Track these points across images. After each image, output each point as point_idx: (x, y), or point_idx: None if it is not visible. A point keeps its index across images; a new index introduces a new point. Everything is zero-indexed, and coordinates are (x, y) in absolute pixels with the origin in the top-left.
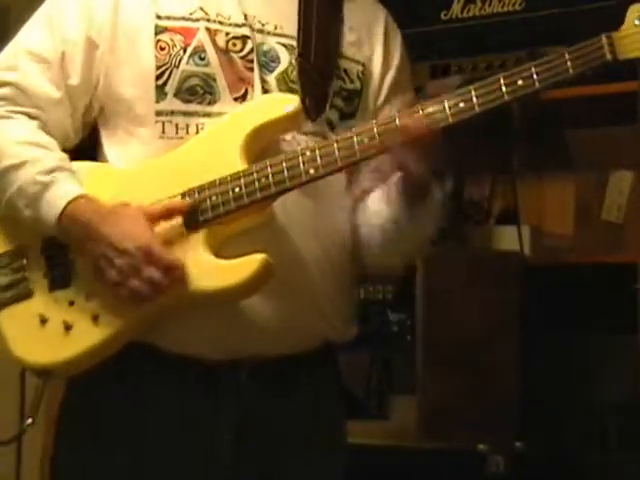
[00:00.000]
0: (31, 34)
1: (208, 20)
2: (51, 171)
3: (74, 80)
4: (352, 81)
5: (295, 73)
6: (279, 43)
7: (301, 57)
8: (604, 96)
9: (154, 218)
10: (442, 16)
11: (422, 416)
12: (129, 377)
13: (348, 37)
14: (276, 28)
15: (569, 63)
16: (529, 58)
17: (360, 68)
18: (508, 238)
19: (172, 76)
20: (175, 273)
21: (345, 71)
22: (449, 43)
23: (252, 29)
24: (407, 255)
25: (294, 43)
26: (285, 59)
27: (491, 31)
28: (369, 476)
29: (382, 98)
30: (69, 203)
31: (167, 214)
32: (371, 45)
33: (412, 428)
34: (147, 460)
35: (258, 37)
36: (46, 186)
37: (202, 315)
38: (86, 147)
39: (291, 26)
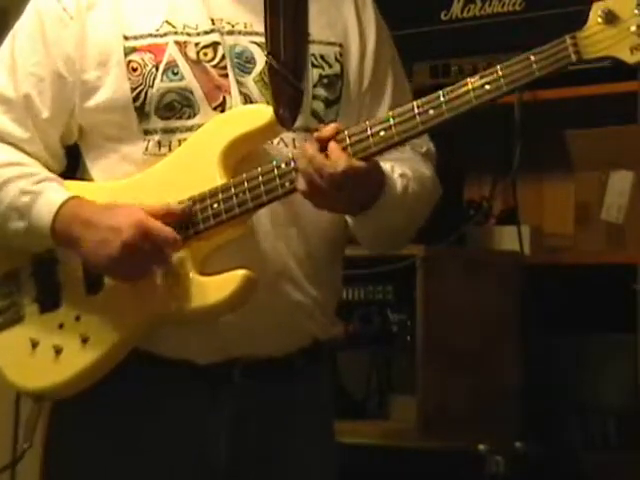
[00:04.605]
0: None
1: (176, 33)
2: (40, 181)
3: (45, 114)
4: (331, 65)
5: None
6: (252, 42)
7: (271, 55)
8: (604, 96)
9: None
10: (442, 16)
11: (422, 416)
12: (123, 381)
13: (318, 20)
14: (246, 26)
15: (534, 65)
16: None
17: (337, 49)
18: (508, 238)
19: (149, 96)
20: (175, 241)
21: (322, 57)
22: (449, 43)
23: (221, 33)
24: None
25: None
26: (260, 59)
27: (491, 31)
28: (368, 476)
29: (366, 82)
30: (62, 205)
31: (164, 215)
32: (343, 21)
33: (412, 428)
34: (145, 461)
35: (229, 39)
36: (37, 194)
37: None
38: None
39: (260, 23)
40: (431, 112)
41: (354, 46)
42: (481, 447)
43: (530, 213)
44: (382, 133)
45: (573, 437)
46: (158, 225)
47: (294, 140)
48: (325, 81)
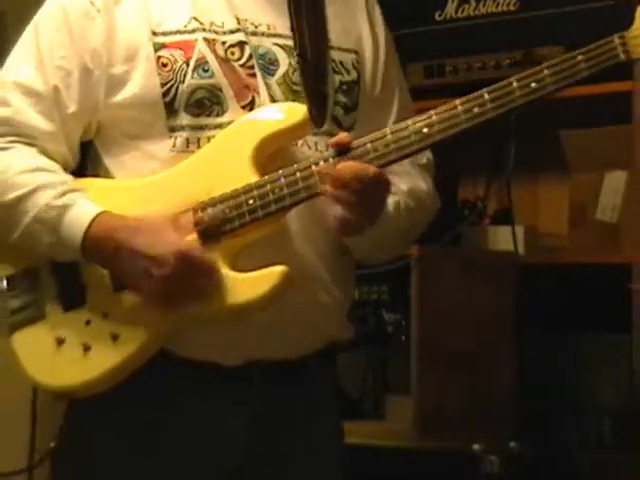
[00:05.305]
0: (20, 66)
1: (204, 30)
2: (64, 193)
3: (71, 109)
4: (349, 72)
5: (296, 74)
6: (275, 44)
7: (300, 57)
8: (599, 96)
9: (180, 226)
10: (436, 16)
11: (417, 416)
12: (144, 380)
13: (334, 26)
14: (269, 28)
15: (583, 64)
16: (524, 58)
17: (353, 56)
18: (503, 238)
19: (179, 92)
20: (215, 274)
21: (341, 63)
22: (443, 43)
23: (246, 33)
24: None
25: (289, 43)
26: (284, 61)
27: (485, 31)
28: (364, 476)
29: (379, 88)
30: (92, 222)
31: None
32: (357, 27)
33: (407, 428)
34: (163, 461)
35: (253, 40)
36: (63, 209)
37: (215, 322)
38: None
39: (283, 25)
40: (476, 110)
41: (368, 53)
42: (476, 447)
43: (525, 213)
44: (425, 130)
45: (568, 437)
46: (199, 256)
47: (316, 143)
48: (345, 87)
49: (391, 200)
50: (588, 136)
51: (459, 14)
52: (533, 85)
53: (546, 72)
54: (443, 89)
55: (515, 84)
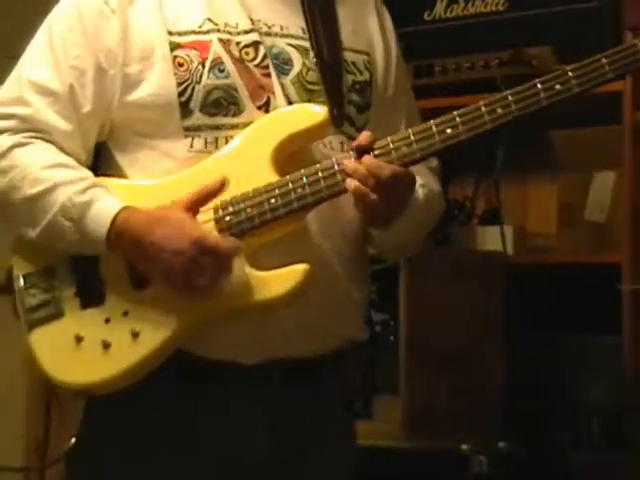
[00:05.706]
0: (36, 65)
1: (218, 30)
2: (87, 189)
3: (86, 108)
4: (361, 72)
5: (310, 74)
6: (289, 44)
7: (317, 58)
8: (589, 96)
9: (195, 209)
10: (425, 16)
11: (406, 416)
12: (164, 380)
13: (345, 27)
14: (282, 29)
15: (607, 67)
16: (512, 58)
17: (365, 57)
18: (491, 238)
19: (195, 92)
20: (231, 260)
21: (353, 64)
22: (432, 43)
23: (260, 33)
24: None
25: (302, 43)
26: (297, 60)
27: (474, 31)
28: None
29: (390, 90)
30: (116, 216)
31: (204, 199)
32: (367, 29)
33: (396, 428)
34: (180, 459)
35: (267, 40)
36: (87, 205)
37: (235, 322)
38: None
39: (295, 25)
40: (500, 111)
41: (379, 55)
42: (464, 447)
43: (513, 213)
44: (449, 131)
45: (557, 437)
46: (216, 240)
47: (330, 142)
48: (357, 87)
49: (419, 193)
50: (577, 136)
51: (448, 14)
52: (557, 87)
53: (570, 74)
54: (432, 89)
55: (539, 86)
